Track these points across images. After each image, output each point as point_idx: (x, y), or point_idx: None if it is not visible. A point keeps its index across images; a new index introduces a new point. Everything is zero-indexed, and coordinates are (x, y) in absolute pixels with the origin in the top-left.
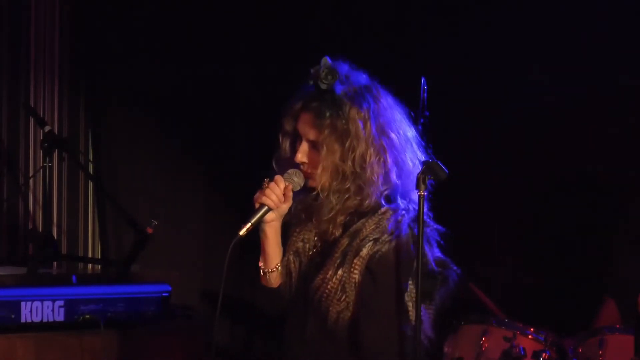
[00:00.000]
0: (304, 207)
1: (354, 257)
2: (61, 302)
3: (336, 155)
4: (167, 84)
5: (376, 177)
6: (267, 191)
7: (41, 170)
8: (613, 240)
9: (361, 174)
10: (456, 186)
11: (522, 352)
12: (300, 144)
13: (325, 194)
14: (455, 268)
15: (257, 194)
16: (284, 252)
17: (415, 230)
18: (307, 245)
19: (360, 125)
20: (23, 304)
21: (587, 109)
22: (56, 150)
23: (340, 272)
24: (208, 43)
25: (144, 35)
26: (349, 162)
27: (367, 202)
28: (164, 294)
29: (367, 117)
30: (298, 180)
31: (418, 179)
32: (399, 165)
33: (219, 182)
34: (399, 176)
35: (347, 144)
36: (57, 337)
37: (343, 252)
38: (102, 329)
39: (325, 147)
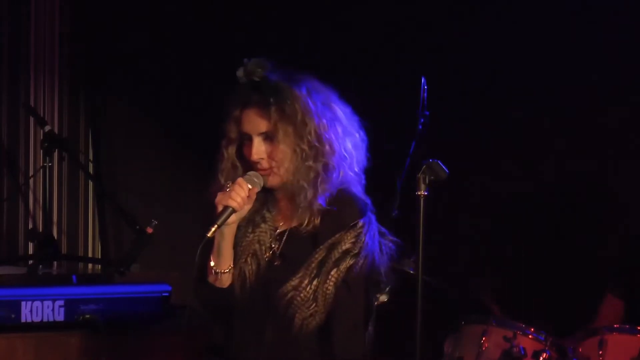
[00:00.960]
0: (256, 209)
1: (331, 269)
2: (61, 302)
3: (291, 136)
4: (167, 84)
5: (336, 146)
6: (233, 193)
7: (41, 170)
8: (612, 238)
9: (320, 147)
10: (456, 186)
11: (522, 352)
12: (250, 144)
13: (291, 180)
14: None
15: (220, 196)
16: (239, 254)
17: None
18: (263, 247)
19: (306, 101)
20: (23, 303)
21: (587, 108)
22: (56, 150)
23: (315, 282)
24: (208, 42)
25: (144, 35)
26: (306, 138)
27: (335, 175)
28: (164, 294)
29: (308, 93)
30: (259, 181)
31: (418, 179)
32: (349, 134)
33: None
34: (354, 146)
35: (299, 120)
36: (57, 337)
37: (320, 262)
38: (102, 329)
39: (280, 132)
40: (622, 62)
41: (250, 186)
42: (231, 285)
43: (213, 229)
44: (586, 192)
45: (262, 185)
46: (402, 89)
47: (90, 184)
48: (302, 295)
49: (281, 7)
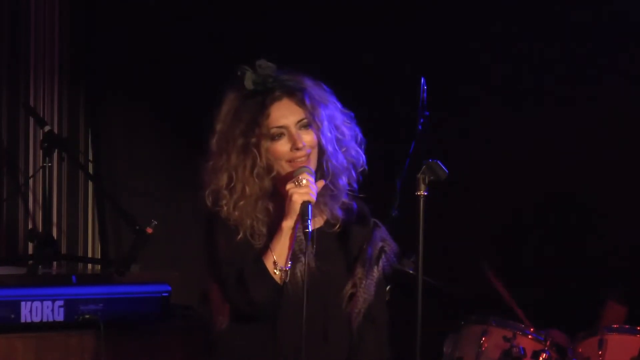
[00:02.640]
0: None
1: (374, 267)
2: (61, 302)
3: (325, 120)
4: (166, 83)
5: (353, 134)
6: (308, 189)
7: (41, 170)
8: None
9: (341, 138)
10: (458, 186)
11: (522, 352)
12: (282, 139)
13: (324, 165)
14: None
15: (296, 194)
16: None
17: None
18: (301, 246)
19: (324, 88)
20: (23, 303)
21: (585, 111)
22: (56, 150)
23: (365, 280)
24: (207, 43)
25: (143, 35)
26: (334, 124)
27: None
28: (163, 294)
29: (318, 82)
30: (310, 170)
31: (418, 180)
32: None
33: None
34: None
35: (327, 105)
36: (57, 337)
37: (363, 260)
38: (101, 329)
39: (315, 116)
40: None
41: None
42: (285, 283)
43: (308, 224)
44: (587, 197)
45: (315, 175)
46: (402, 89)
47: (90, 184)
48: (359, 291)
49: (279, 7)
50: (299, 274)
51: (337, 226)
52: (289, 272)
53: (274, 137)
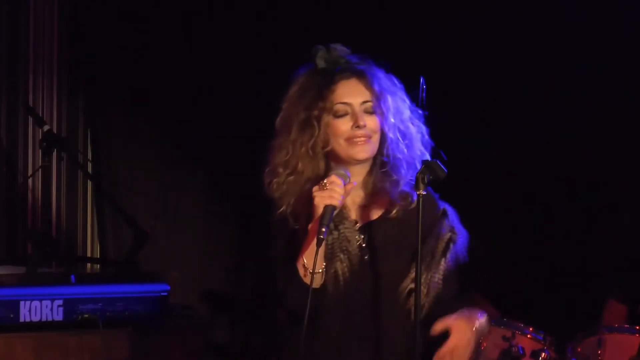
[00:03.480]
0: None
1: (440, 260)
2: (60, 302)
3: (391, 110)
4: (166, 83)
5: (418, 134)
6: (333, 192)
7: (40, 169)
8: (614, 242)
9: (406, 133)
10: (453, 185)
11: (521, 352)
12: (345, 116)
13: (385, 154)
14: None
15: (319, 196)
16: (328, 254)
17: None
18: (352, 244)
19: (394, 81)
20: (22, 303)
21: (579, 109)
22: (55, 149)
23: (427, 273)
24: (207, 43)
25: (142, 35)
26: (401, 116)
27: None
28: (162, 294)
29: (394, 79)
30: (348, 175)
31: (417, 179)
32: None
33: (218, 181)
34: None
35: (398, 97)
36: (56, 337)
37: (426, 253)
38: (101, 329)
39: (381, 102)
40: (623, 61)
41: (343, 182)
42: (323, 285)
43: (324, 230)
44: (588, 195)
45: (349, 179)
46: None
47: (89, 183)
48: (423, 286)
49: (276, 7)
50: (340, 273)
51: (395, 214)
52: (323, 274)
53: (337, 114)
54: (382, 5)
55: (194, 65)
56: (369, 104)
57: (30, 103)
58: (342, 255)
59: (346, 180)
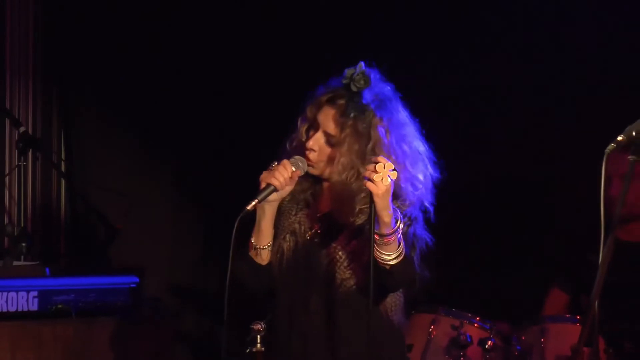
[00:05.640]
0: (302, 191)
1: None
2: (35, 293)
3: (353, 154)
4: (135, 89)
5: (401, 182)
6: (277, 173)
7: (16, 168)
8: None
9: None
10: None
11: (469, 340)
12: (314, 132)
13: (336, 178)
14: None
15: (264, 174)
16: (279, 232)
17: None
18: (303, 227)
19: (382, 133)
20: None
21: (533, 109)
22: (30, 150)
23: (350, 246)
24: (173, 49)
25: (112, 43)
26: (367, 163)
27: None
28: (132, 285)
29: (387, 127)
30: (303, 166)
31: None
32: (418, 171)
33: (185, 179)
34: (420, 182)
35: (369, 147)
36: (31, 326)
37: (356, 232)
38: (73, 318)
39: (345, 145)
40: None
41: (294, 169)
42: (270, 262)
43: (253, 203)
44: (535, 188)
45: (305, 170)
46: None
47: (63, 182)
48: (339, 254)
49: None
50: (284, 251)
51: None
52: (268, 250)
53: (313, 124)
54: None
55: (164, 67)
56: (332, 135)
57: (7, 105)
58: (288, 236)
59: (298, 168)
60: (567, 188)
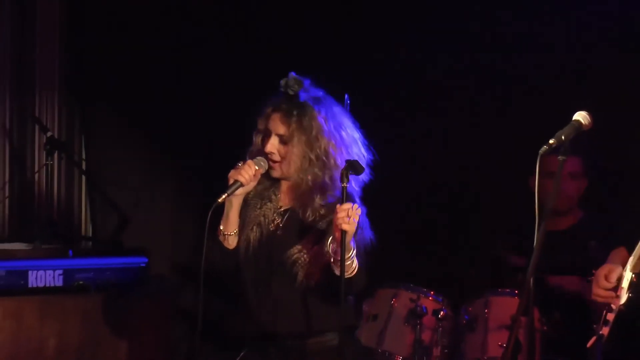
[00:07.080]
0: (265, 188)
1: (328, 240)
2: (60, 271)
3: (303, 144)
4: (143, 99)
5: (340, 163)
6: (242, 171)
7: (44, 167)
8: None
9: (326, 161)
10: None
11: (425, 311)
12: (269, 139)
13: (296, 178)
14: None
15: (232, 172)
16: (247, 224)
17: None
18: (267, 220)
19: (322, 122)
20: (30, 272)
21: (485, 105)
22: (56, 151)
23: (315, 248)
24: (178, 58)
25: (128, 58)
26: (316, 151)
27: (332, 182)
28: (141, 265)
29: (325, 117)
30: (264, 165)
31: (341, 174)
32: (351, 156)
33: (186, 174)
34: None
35: (313, 136)
36: (56, 299)
37: (319, 235)
38: (93, 293)
39: (295, 137)
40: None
41: (257, 167)
42: (236, 248)
43: (223, 197)
44: (476, 185)
45: (266, 169)
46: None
47: (83, 178)
48: (304, 256)
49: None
50: (251, 240)
51: (309, 216)
52: (235, 236)
53: (267, 133)
54: None
55: (161, 84)
56: (284, 137)
57: (36, 114)
58: (255, 227)
59: (260, 167)
60: (497, 186)
